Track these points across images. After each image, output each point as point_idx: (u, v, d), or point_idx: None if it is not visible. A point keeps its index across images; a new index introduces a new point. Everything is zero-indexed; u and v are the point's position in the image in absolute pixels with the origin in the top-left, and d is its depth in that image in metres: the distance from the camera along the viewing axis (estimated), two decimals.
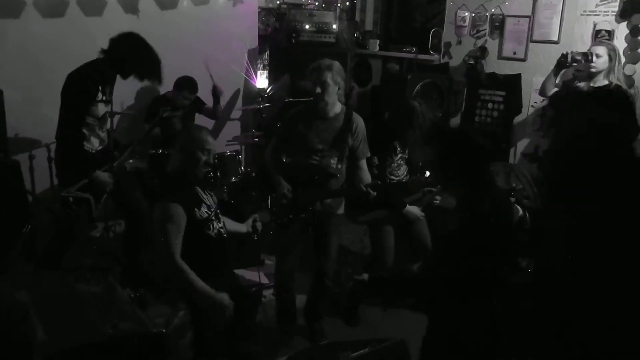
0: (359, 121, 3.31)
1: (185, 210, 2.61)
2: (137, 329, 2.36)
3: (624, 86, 4.05)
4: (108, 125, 3.69)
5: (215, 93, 5.02)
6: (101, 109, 3.53)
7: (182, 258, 2.61)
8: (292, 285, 3.45)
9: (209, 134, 2.84)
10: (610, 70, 3.91)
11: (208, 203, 2.78)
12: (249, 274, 4.00)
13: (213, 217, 2.75)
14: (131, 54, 3.47)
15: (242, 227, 3.11)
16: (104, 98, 3.53)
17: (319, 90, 3.14)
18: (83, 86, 3.42)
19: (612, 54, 3.92)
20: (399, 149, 3.65)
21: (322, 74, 3.11)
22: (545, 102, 4.65)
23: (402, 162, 3.69)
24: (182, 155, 2.73)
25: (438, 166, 2.41)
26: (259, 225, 3.14)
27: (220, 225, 2.79)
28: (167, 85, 4.67)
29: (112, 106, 3.66)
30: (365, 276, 2.45)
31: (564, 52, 3.99)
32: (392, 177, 3.63)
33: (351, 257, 4.50)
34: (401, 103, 3.70)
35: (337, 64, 3.20)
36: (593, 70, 3.91)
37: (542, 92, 4.34)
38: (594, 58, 3.91)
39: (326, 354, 2.87)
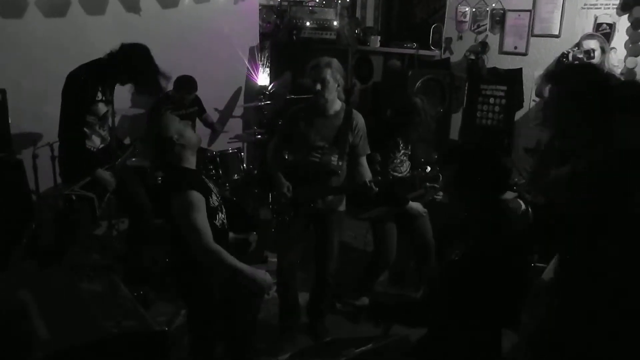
0: (359, 118, 3.32)
1: (203, 195, 2.61)
2: (140, 327, 2.36)
3: (617, 73, 4.09)
4: (110, 123, 3.70)
5: (215, 130, 5.32)
6: (101, 108, 3.55)
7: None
8: (294, 282, 3.46)
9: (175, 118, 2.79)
10: (601, 62, 3.92)
11: (215, 192, 2.79)
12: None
13: (219, 208, 2.75)
14: (133, 66, 3.47)
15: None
16: (104, 97, 3.54)
17: (319, 87, 3.15)
18: (82, 85, 3.44)
19: (605, 45, 3.94)
20: (401, 145, 3.65)
21: (321, 71, 3.13)
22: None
23: (404, 158, 3.69)
24: (167, 145, 2.63)
25: (454, 185, 2.24)
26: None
27: (223, 216, 2.79)
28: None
29: (113, 105, 3.68)
30: (365, 300, 2.39)
31: (565, 52, 3.97)
32: (395, 174, 3.64)
33: (354, 254, 4.51)
34: (402, 99, 3.70)
35: (335, 61, 3.21)
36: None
37: (539, 93, 4.33)
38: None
39: (329, 350, 2.87)
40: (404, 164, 3.70)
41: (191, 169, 2.70)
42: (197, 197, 2.55)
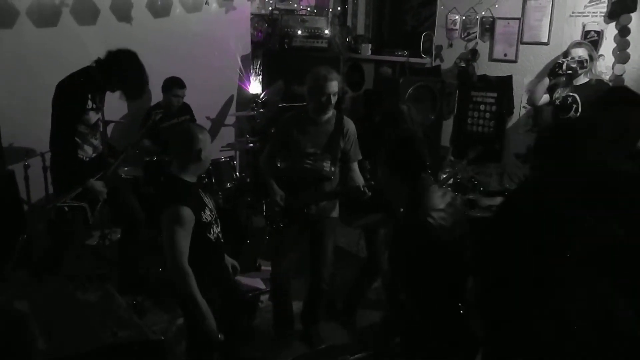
0: (349, 125, 3.36)
1: (193, 213, 2.59)
2: (136, 336, 2.37)
3: (605, 79, 4.16)
4: (101, 130, 3.70)
5: None
6: (92, 116, 3.54)
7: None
8: (288, 290, 3.46)
9: (207, 133, 2.81)
10: (589, 69, 3.99)
11: (210, 207, 2.77)
12: (246, 280, 4.01)
13: (213, 222, 2.75)
14: (122, 71, 3.48)
15: None
16: (94, 105, 3.53)
17: (334, 99, 3.21)
18: (72, 94, 3.43)
19: (592, 53, 4.02)
20: None
21: (333, 84, 3.17)
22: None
23: None
24: (191, 156, 2.64)
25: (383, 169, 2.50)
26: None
27: (219, 230, 2.78)
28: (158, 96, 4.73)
29: (103, 113, 3.67)
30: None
31: (559, 61, 4.03)
32: None
33: (347, 260, 4.52)
34: (390, 107, 3.74)
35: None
36: (580, 72, 3.98)
37: (531, 101, 4.37)
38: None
39: (324, 357, 2.89)
40: None
41: (190, 182, 2.66)
42: (187, 213, 2.51)
